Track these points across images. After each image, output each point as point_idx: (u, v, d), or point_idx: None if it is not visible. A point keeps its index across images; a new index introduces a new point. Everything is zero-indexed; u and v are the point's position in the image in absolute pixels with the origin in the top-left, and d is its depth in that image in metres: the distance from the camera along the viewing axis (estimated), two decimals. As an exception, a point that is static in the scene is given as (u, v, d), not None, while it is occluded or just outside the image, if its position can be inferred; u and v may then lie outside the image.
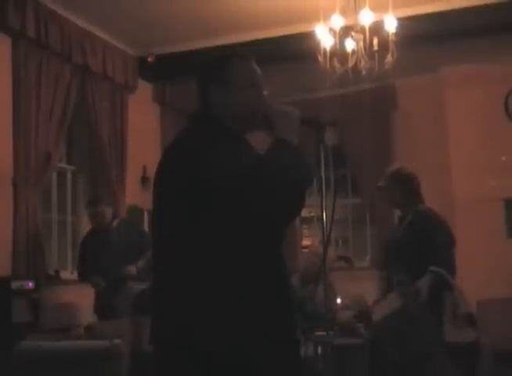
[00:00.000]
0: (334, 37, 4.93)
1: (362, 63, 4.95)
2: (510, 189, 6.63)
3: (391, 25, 4.84)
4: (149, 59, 6.41)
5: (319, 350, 4.47)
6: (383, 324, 3.95)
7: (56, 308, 5.31)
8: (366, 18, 4.81)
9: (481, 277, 6.17)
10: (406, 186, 4.01)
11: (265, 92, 2.07)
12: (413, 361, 3.73)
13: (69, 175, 6.12)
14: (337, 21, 4.88)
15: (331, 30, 4.93)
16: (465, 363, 4.96)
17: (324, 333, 4.30)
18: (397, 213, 4.51)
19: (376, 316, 4.13)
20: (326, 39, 4.95)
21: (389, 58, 4.87)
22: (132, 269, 5.08)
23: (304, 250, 8.02)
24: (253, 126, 2.07)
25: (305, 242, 8.27)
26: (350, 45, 5.00)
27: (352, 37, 4.97)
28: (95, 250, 5.19)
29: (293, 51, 5.93)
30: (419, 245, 3.86)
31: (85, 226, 6.11)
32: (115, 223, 5.33)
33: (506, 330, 5.07)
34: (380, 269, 4.22)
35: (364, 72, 5.01)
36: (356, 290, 5.78)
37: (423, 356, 3.76)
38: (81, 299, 5.48)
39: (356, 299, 5.52)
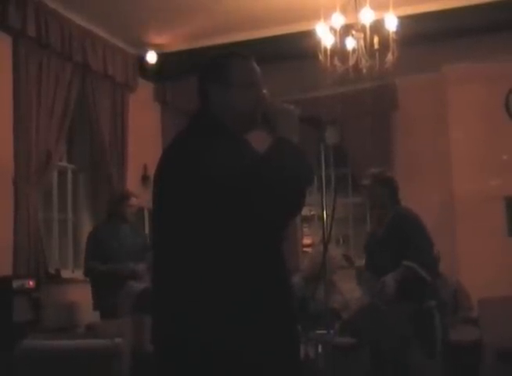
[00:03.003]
0: (335, 35, 4.93)
1: (363, 61, 4.95)
2: (510, 187, 6.63)
3: (391, 24, 4.85)
4: (150, 59, 6.41)
5: (320, 349, 4.47)
6: (352, 321, 4.05)
7: (57, 307, 5.31)
8: (367, 16, 4.81)
9: (482, 276, 6.17)
10: (389, 187, 4.12)
11: (265, 91, 2.06)
12: (387, 355, 3.78)
13: (69, 174, 6.11)
14: (338, 20, 4.88)
15: (332, 28, 4.93)
16: (467, 361, 4.97)
17: (325, 332, 4.31)
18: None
19: (346, 313, 4.23)
20: (326, 38, 4.96)
21: (390, 56, 4.87)
22: (141, 267, 5.08)
23: (305, 249, 8.03)
24: (253, 125, 2.06)
25: (306, 240, 8.27)
26: (350, 43, 5.00)
27: (353, 35, 4.97)
28: (116, 242, 5.23)
29: (293, 50, 5.92)
30: (399, 243, 3.92)
31: (86, 225, 6.12)
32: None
33: (508, 329, 5.06)
34: (367, 269, 4.27)
35: (365, 71, 5.02)
36: (356, 288, 5.79)
37: (395, 350, 3.79)
38: (82, 298, 5.48)
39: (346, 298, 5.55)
